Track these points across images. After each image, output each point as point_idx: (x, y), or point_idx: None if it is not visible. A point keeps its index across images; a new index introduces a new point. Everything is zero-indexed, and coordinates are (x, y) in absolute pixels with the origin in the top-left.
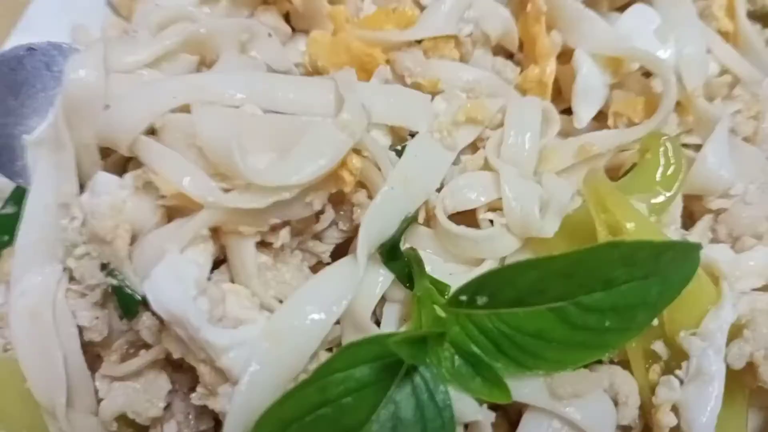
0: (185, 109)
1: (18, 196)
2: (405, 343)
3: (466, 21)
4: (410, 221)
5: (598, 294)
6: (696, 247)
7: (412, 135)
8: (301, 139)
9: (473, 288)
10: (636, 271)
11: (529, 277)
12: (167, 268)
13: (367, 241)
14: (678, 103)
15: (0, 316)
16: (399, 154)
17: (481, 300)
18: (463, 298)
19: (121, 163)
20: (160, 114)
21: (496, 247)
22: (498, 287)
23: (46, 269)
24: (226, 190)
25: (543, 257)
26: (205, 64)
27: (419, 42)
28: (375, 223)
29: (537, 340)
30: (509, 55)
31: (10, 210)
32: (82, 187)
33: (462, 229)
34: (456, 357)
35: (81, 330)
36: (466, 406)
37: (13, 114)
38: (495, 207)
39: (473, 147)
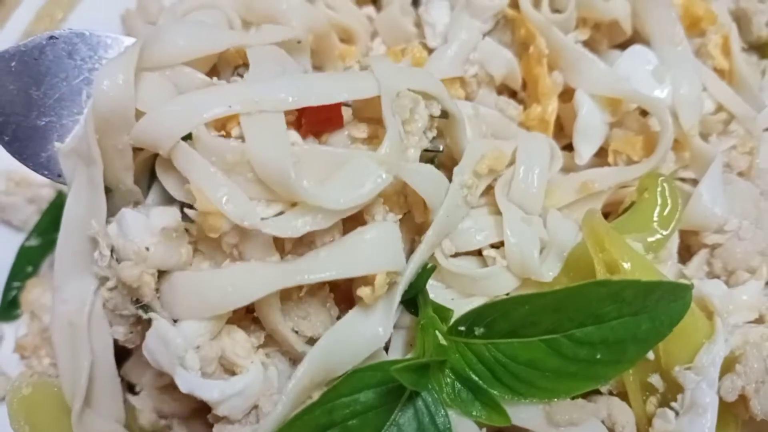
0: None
1: (42, 228)
2: (407, 371)
3: (471, 63)
4: (431, 271)
5: (589, 328)
6: (686, 288)
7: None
8: (340, 169)
9: (471, 319)
10: (625, 307)
11: (522, 311)
12: (155, 333)
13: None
14: (675, 141)
15: (24, 346)
16: None
17: (479, 330)
18: (462, 328)
19: (151, 162)
20: (203, 120)
21: (495, 285)
22: (493, 319)
23: (84, 279)
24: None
25: (535, 293)
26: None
27: None
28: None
29: (531, 370)
30: (512, 94)
31: (34, 242)
32: (109, 192)
33: (462, 269)
34: (456, 383)
35: None
36: (466, 429)
37: (36, 105)
38: (498, 245)
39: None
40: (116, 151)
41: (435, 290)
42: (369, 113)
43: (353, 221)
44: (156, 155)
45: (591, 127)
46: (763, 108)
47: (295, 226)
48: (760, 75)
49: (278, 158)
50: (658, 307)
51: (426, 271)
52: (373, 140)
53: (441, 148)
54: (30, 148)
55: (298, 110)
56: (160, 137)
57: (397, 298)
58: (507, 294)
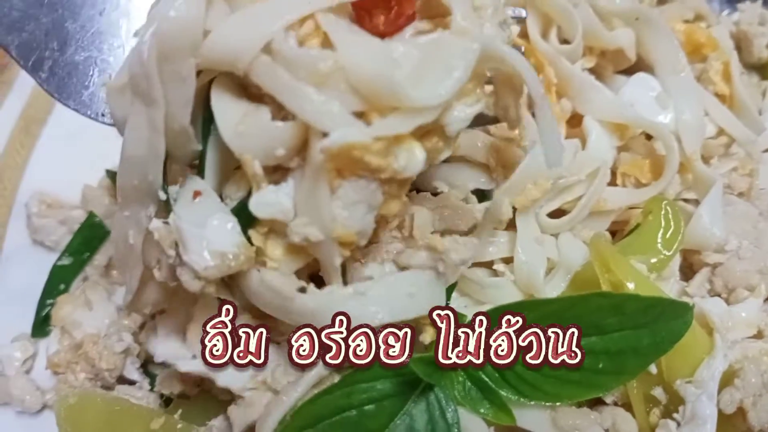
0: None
1: (74, 248)
2: (423, 363)
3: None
4: (455, 286)
5: (591, 338)
6: (687, 308)
7: None
8: (426, 62)
9: None
10: (626, 321)
11: (529, 317)
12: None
13: None
14: (679, 164)
15: (58, 363)
16: None
17: None
18: None
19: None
20: (285, 22)
21: (501, 295)
22: None
23: (144, 206)
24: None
25: (541, 300)
26: None
27: None
28: None
29: (536, 374)
30: None
31: (66, 261)
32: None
33: (472, 274)
34: (467, 381)
35: None
36: (475, 426)
37: (73, 39)
38: (508, 259)
39: None
40: (177, 81)
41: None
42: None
43: None
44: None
45: (600, 152)
46: (763, 131)
47: (402, 125)
48: (761, 96)
49: (377, 61)
50: (658, 324)
51: (450, 287)
52: None
53: None
54: (69, 86)
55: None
56: (237, 50)
57: None
58: None
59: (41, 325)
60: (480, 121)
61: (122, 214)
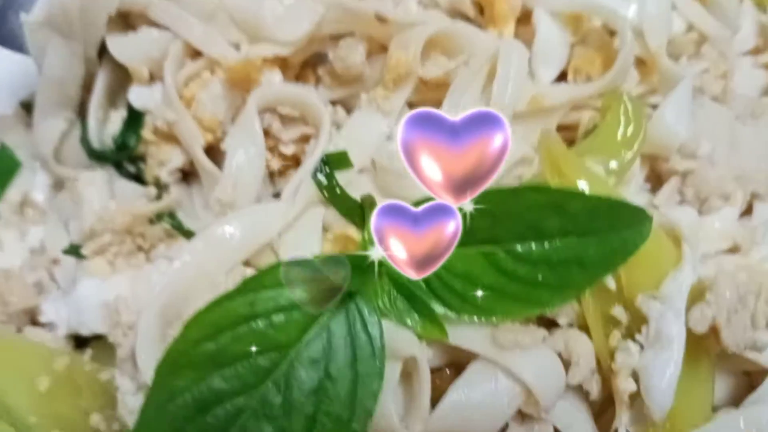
0: None
1: None
2: None
3: None
4: None
5: (528, 243)
6: (644, 215)
7: None
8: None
9: None
10: (569, 224)
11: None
12: None
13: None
14: (642, 62)
15: None
16: None
17: None
18: None
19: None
20: None
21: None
22: None
23: (57, 119)
24: None
25: None
26: None
27: None
28: None
29: (466, 283)
30: (465, 20)
31: None
32: None
33: (404, 169)
34: (393, 290)
35: None
36: (403, 340)
37: None
38: None
39: None
40: (93, 26)
41: None
42: None
43: None
44: None
45: (550, 48)
46: (739, 30)
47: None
48: (738, 2)
49: (250, 1)
50: (610, 232)
51: None
52: None
53: None
54: None
55: None
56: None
57: None
58: None
59: None
60: None
61: (36, 131)
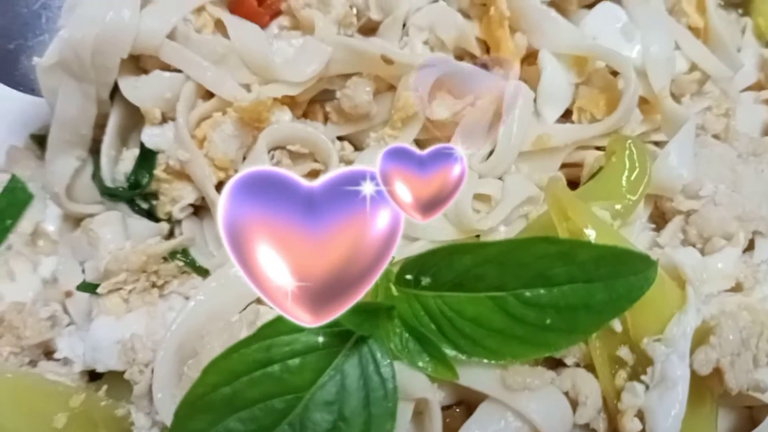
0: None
1: None
2: (353, 314)
3: (421, 28)
4: None
5: (537, 290)
6: (649, 262)
7: None
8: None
9: (417, 267)
10: (576, 271)
11: (466, 261)
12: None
13: None
14: (646, 102)
15: None
16: None
17: (425, 280)
18: (409, 277)
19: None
20: (181, 18)
21: (433, 229)
22: (438, 268)
23: (69, 157)
24: None
25: (478, 242)
26: None
27: None
28: None
29: (476, 327)
30: (472, 59)
31: None
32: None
33: None
34: (404, 333)
35: None
36: (415, 382)
37: (4, 32)
38: None
39: None
40: (105, 69)
41: None
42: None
43: None
44: None
45: (555, 88)
46: (740, 67)
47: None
48: (740, 33)
49: (260, 44)
50: (616, 279)
51: None
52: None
53: None
54: (2, 70)
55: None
56: (149, 37)
57: None
58: None
59: None
60: None
61: (50, 169)
